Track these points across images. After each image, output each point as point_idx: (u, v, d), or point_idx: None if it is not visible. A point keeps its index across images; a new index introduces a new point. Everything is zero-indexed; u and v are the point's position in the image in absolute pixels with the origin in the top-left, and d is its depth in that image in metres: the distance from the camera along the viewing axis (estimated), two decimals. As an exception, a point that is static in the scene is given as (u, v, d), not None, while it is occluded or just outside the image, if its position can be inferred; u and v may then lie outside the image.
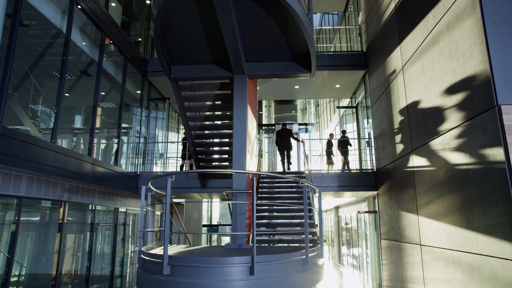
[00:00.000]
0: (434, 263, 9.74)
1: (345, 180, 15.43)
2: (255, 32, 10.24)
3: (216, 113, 13.87)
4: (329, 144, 18.73)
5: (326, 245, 35.36)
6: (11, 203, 10.38)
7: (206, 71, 11.57)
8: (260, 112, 23.81)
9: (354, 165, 19.10)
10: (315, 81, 17.75)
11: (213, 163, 14.48)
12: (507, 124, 6.83)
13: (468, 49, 7.90)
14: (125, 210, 17.22)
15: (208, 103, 13.02)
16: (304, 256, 7.00)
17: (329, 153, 18.53)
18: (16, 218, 10.39)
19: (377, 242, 16.03)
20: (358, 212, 18.61)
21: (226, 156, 14.38)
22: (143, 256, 7.03)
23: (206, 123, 13.31)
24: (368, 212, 17.63)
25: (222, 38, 10.07)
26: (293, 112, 26.63)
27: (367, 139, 17.37)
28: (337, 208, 30.26)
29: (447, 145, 8.86)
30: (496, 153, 6.96)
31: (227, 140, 13.64)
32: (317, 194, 10.13)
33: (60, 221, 12.42)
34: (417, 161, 10.74)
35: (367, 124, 17.17)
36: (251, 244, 8.84)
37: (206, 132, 13.72)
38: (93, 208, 14.43)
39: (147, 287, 6.46)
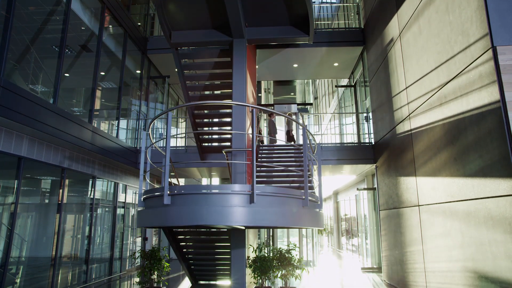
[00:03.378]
0: (432, 220, 9.85)
1: (344, 154, 15.51)
2: (254, -7, 10.33)
3: (216, 82, 13.91)
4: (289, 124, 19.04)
5: (325, 235, 35.42)
6: (13, 161, 10.44)
7: (206, 36, 11.65)
8: (260, 95, 23.85)
9: (352, 138, 19.19)
10: (314, 59, 17.83)
11: (213, 136, 14.52)
12: (502, 64, 6.97)
13: (464, -2, 8.03)
14: (124, 187, 17.28)
15: (208, 71, 13.07)
16: (304, 197, 7.05)
17: (288, 131, 18.81)
18: (17, 181, 10.45)
19: (376, 220, 16.12)
20: (357, 189, 18.65)
21: (228, 128, 14.44)
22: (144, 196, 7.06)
23: (206, 93, 13.36)
24: (367, 189, 17.72)
25: (222, 2, 10.15)
26: (292, 94, 26.65)
27: (365, 114, 17.45)
28: (336, 194, 30.32)
29: (444, 99, 8.98)
30: (491, 94, 7.09)
31: (227, 110, 13.71)
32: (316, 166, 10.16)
33: (60, 190, 12.46)
34: (414, 123, 10.86)
35: (366, 99, 17.24)
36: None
37: (205, 111, 13.80)
38: (93, 183, 14.48)
39: (148, 221, 6.49)
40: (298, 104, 23.52)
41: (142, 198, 7.07)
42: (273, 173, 12.27)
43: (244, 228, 9.26)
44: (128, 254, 17.76)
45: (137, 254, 12.08)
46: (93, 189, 14.51)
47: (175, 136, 20.44)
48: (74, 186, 13.83)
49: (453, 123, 8.59)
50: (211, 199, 5.91)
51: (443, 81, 9.00)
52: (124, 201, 17.83)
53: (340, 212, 29.69)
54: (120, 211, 17.33)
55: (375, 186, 15.73)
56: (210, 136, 14.12)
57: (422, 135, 10.36)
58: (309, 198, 7.26)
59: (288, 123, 19.02)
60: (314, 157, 9.97)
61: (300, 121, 17.59)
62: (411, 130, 11.14)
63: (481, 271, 7.58)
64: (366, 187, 18.08)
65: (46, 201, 12.86)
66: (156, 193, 6.50)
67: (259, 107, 7.02)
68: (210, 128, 14.43)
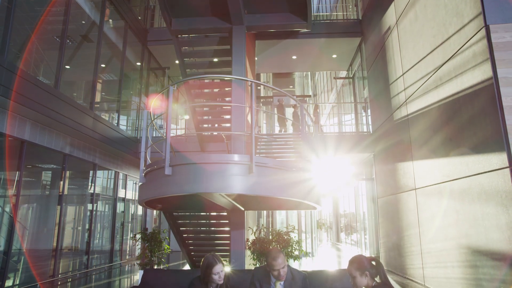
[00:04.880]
0: (428, 202, 10.06)
1: (342, 143, 15.66)
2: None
3: (216, 70, 14.04)
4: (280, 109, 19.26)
5: (324, 230, 35.58)
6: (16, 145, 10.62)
7: (205, 22, 11.81)
8: (258, 88, 24.03)
9: (351, 128, 19.37)
10: (312, 50, 18.01)
11: (212, 125, 14.67)
12: (494, 42, 7.19)
13: (457, -20, 8.24)
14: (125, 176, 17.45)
15: (208, 59, 13.22)
16: (302, 171, 7.21)
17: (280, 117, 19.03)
18: (19, 163, 10.64)
19: (375, 211, 16.29)
20: (356, 179, 18.82)
21: (227, 117, 14.59)
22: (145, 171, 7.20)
23: (206, 81, 13.51)
24: (366, 179, 17.90)
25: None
26: (291, 87, 26.84)
27: (363, 104, 17.64)
28: (334, 189, 30.45)
29: (439, 81, 9.19)
30: (484, 71, 7.31)
31: (227, 98, 13.85)
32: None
33: (62, 173, 12.63)
34: (411, 108, 11.06)
35: (364, 89, 17.43)
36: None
37: (205, 90, 13.91)
38: (94, 173, 14.66)
39: (150, 193, 6.62)
40: (297, 97, 23.70)
41: (143, 173, 7.21)
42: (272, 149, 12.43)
43: (243, 209, 9.44)
44: (128, 247, 17.98)
45: (138, 236, 12.21)
46: (94, 177, 14.68)
47: (175, 129, 20.61)
48: (76, 172, 14.00)
49: (448, 104, 8.79)
50: (211, 168, 6.06)
51: (438, 63, 9.21)
52: (124, 196, 18.02)
53: (339, 207, 29.85)
54: (120, 207, 17.50)
55: (373, 176, 15.90)
56: (209, 125, 14.25)
57: (418, 119, 10.56)
58: (308, 174, 7.43)
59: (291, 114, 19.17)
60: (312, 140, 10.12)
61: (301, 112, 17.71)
62: (407, 115, 11.34)
63: (474, 246, 7.80)
64: (364, 177, 18.25)
65: (48, 187, 13.05)
66: (157, 166, 6.66)
67: (258, 81, 7.21)
68: (210, 117, 14.56)
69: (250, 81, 6.85)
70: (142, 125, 13.19)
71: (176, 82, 6.84)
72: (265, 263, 5.08)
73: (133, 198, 19.36)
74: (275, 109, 20.49)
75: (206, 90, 13.07)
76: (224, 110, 13.41)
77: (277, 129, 22.59)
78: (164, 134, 6.81)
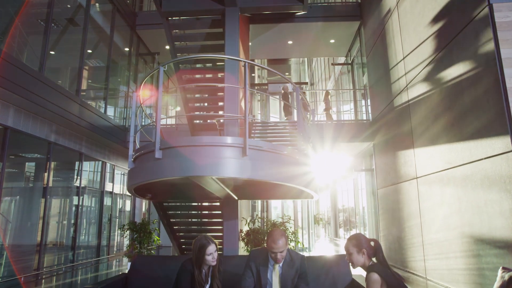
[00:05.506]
0: (430, 191, 10.14)
1: (341, 131, 15.72)
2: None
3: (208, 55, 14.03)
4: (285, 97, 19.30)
5: (322, 226, 35.69)
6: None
7: (197, 3, 11.79)
8: (253, 75, 24.05)
9: (349, 115, 19.43)
10: (309, 35, 18.02)
11: (205, 112, 14.70)
12: (498, 21, 7.26)
13: (460, -43, 8.31)
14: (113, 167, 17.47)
15: (200, 43, 13.23)
16: (298, 156, 7.26)
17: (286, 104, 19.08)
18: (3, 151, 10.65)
19: (375, 204, 16.37)
20: (355, 170, 18.92)
21: (220, 104, 14.62)
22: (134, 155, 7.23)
23: (198, 66, 13.53)
24: (366, 170, 17.98)
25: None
26: (287, 74, 26.84)
27: (362, 90, 17.70)
28: (333, 182, 30.51)
29: (441, 64, 9.26)
30: (487, 52, 7.36)
31: (219, 93, 13.87)
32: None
33: (47, 163, 12.64)
34: (412, 94, 11.13)
35: (363, 76, 17.48)
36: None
37: (197, 76, 13.91)
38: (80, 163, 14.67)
39: (139, 177, 6.65)
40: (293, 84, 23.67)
41: (132, 159, 7.24)
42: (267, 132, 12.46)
43: (236, 198, 9.50)
44: (115, 242, 18.02)
45: (126, 227, 12.25)
46: (80, 168, 14.69)
47: (166, 118, 20.62)
48: (61, 162, 14.01)
49: (450, 87, 8.86)
50: (203, 151, 6.09)
51: (440, 45, 9.28)
52: (111, 190, 18.04)
53: (337, 202, 29.94)
54: (107, 201, 17.53)
55: (373, 167, 15.97)
56: (202, 112, 14.24)
57: (420, 104, 10.63)
58: (304, 160, 7.48)
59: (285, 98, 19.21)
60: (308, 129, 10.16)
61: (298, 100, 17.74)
62: (408, 101, 11.41)
63: (477, 235, 7.89)
64: (363, 168, 18.32)
65: (32, 178, 13.06)
66: (147, 150, 6.69)
67: (251, 62, 7.25)
68: (202, 104, 14.58)
69: (244, 61, 6.90)
70: (130, 113, 13.19)
71: (166, 62, 6.88)
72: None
73: (121, 192, 19.41)
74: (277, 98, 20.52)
75: (197, 76, 13.09)
76: (217, 97, 13.44)
77: (273, 119, 22.66)
78: (154, 120, 6.84)
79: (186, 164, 6.00)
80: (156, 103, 6.73)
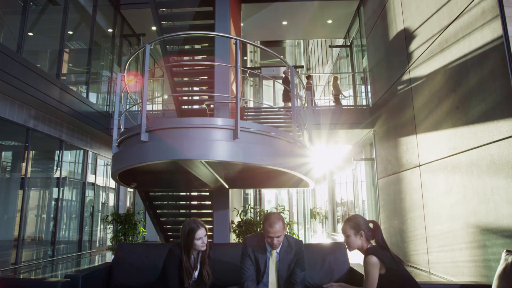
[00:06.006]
0: (433, 179, 10.19)
1: (339, 117, 15.73)
2: None
3: (197, 35, 13.96)
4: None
5: (319, 221, 35.76)
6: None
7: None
8: (245, 58, 24.02)
9: (348, 101, 19.45)
10: (305, 15, 18.00)
11: (194, 98, 14.67)
12: (505, -4, 7.27)
13: None
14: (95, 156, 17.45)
15: (188, 23, 13.18)
16: (292, 141, 7.27)
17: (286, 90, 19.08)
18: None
19: (375, 195, 16.43)
20: (354, 159, 18.97)
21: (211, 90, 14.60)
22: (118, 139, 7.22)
23: (186, 47, 13.48)
24: (365, 159, 18.01)
25: None
26: (281, 57, 26.76)
27: (362, 74, 17.71)
28: (330, 173, 30.56)
29: (445, 43, 9.29)
30: (494, 30, 7.41)
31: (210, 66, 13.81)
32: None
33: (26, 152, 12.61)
34: (415, 76, 11.15)
35: (363, 59, 17.50)
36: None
37: (185, 58, 13.86)
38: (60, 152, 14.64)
39: (124, 162, 6.62)
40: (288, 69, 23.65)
41: (116, 143, 7.23)
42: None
43: (227, 187, 9.52)
44: (98, 238, 18.03)
45: (110, 218, 12.25)
46: (60, 157, 14.66)
47: (152, 99, 20.57)
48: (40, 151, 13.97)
49: (455, 68, 8.90)
50: (192, 133, 6.09)
51: (444, 24, 9.30)
52: (94, 182, 18.02)
53: (335, 195, 29.99)
54: (89, 194, 17.52)
55: (373, 156, 16.00)
56: (190, 97, 14.21)
57: (423, 87, 10.67)
58: (299, 145, 7.50)
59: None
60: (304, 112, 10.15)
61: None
62: (411, 83, 11.44)
63: (483, 224, 7.94)
64: (363, 157, 18.35)
65: (8, 169, 13.04)
66: (132, 132, 6.67)
67: (244, 40, 7.27)
68: (191, 88, 14.56)
69: (235, 38, 6.91)
70: (114, 98, 13.16)
71: (153, 40, 6.89)
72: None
73: (105, 185, 19.38)
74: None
75: (186, 58, 13.05)
76: (206, 80, 13.42)
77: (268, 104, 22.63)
78: (140, 101, 6.82)
79: (174, 147, 5.99)
80: (142, 85, 6.71)
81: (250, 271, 5.09)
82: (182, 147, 5.97)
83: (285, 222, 5.28)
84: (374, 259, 4.26)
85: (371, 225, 4.60)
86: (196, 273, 5.06)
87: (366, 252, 4.42)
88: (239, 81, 6.64)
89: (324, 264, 5.91)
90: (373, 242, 4.53)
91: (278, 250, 5.09)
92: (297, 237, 12.39)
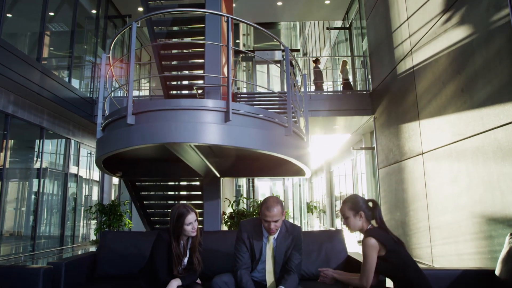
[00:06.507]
0: (437, 168, 10.24)
1: (337, 103, 15.76)
2: None
3: (186, 16, 13.91)
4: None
5: (316, 215, 35.83)
6: None
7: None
8: (237, 41, 24.02)
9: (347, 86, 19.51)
10: (302, -5, 18.02)
11: (183, 82, 14.67)
12: (513, -28, 7.30)
13: None
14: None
15: (177, 1, 13.15)
16: (287, 125, 7.30)
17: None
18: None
19: (376, 186, 16.49)
20: (353, 148, 19.03)
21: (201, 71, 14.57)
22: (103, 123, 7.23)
23: (175, 28, 13.45)
24: (365, 148, 18.06)
25: None
26: (275, 40, 26.72)
27: (362, 57, 17.74)
28: (328, 164, 30.61)
29: (449, 24, 9.31)
30: (500, 8, 7.44)
31: (200, 50, 13.78)
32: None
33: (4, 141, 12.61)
34: (417, 58, 11.20)
35: (362, 41, 17.52)
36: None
37: (174, 40, 13.83)
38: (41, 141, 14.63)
39: (109, 146, 6.64)
40: (283, 51, 23.66)
41: (101, 127, 7.24)
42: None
43: (218, 175, 9.56)
44: (80, 233, 18.05)
45: (94, 209, 12.27)
46: (41, 146, 14.64)
47: (138, 80, 20.55)
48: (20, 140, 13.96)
49: (459, 49, 8.94)
50: (181, 115, 6.11)
51: (448, 2, 9.32)
52: (76, 173, 18.01)
53: (334, 188, 30.05)
54: (72, 186, 17.51)
55: (374, 145, 16.02)
56: (179, 82, 14.20)
57: (426, 70, 10.71)
58: (294, 129, 7.53)
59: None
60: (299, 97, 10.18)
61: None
62: (413, 67, 11.48)
63: (489, 213, 8.00)
64: (363, 146, 18.39)
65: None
66: (118, 115, 6.68)
67: (236, 18, 7.29)
68: (179, 72, 14.53)
69: (226, 16, 6.94)
70: (98, 84, 13.13)
71: (139, 18, 6.90)
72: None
73: (88, 177, 19.37)
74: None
75: (175, 40, 13.04)
76: (197, 65, 13.40)
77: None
78: (126, 82, 6.82)
79: (162, 130, 6.01)
80: (128, 68, 6.74)
81: (244, 258, 5.10)
82: (170, 130, 5.99)
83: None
84: (372, 241, 4.31)
85: (370, 204, 4.65)
86: (185, 260, 5.10)
87: (365, 234, 4.46)
88: (231, 61, 6.69)
89: (320, 253, 5.97)
90: (374, 224, 4.58)
91: (275, 236, 5.10)
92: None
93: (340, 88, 19.39)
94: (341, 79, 18.74)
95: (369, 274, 4.31)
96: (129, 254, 6.11)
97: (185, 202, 5.58)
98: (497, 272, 4.74)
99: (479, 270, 5.29)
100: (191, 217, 4.90)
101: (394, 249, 4.34)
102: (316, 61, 18.91)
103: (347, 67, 18.56)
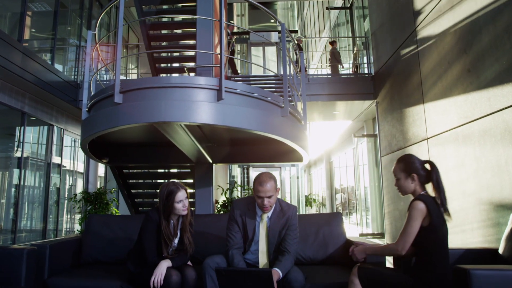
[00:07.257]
0: (443, 153, 10.30)
1: (337, 87, 15.78)
2: None
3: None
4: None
5: (315, 208, 35.91)
6: None
7: None
8: (231, 22, 23.99)
9: (348, 70, 19.53)
10: (300, -28, 18.05)
11: (174, 64, 14.68)
12: None
13: None
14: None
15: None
16: (283, 105, 7.34)
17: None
18: None
19: (378, 176, 16.55)
20: (354, 135, 19.09)
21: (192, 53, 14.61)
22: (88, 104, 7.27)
23: (164, 7, 13.47)
24: (367, 135, 18.11)
25: None
26: (272, 21, 26.78)
27: (364, 38, 17.78)
28: (328, 154, 30.65)
29: (456, 0, 9.37)
30: (509, -20, 7.49)
31: (191, 30, 13.77)
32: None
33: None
34: (422, 37, 11.23)
35: (364, 22, 17.56)
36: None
37: (164, 19, 13.84)
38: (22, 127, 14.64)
39: (95, 127, 6.67)
40: (280, 32, 23.70)
41: (86, 108, 7.28)
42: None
43: (211, 161, 9.60)
44: (64, 227, 18.07)
45: (79, 196, 12.28)
46: (22, 131, 14.65)
47: (126, 57, 20.53)
48: None
49: (466, 26, 8.99)
50: (171, 93, 6.11)
51: (455, -24, 9.39)
52: (60, 163, 18.00)
53: (333, 179, 30.08)
54: (54, 176, 17.52)
55: (376, 132, 16.03)
56: (169, 65, 14.21)
57: (431, 50, 10.76)
58: (290, 110, 7.58)
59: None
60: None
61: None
62: (417, 47, 11.54)
63: (497, 200, 8.06)
64: (365, 133, 18.43)
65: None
66: (104, 94, 6.71)
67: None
68: (170, 55, 14.57)
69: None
70: (83, 68, 13.16)
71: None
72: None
73: (72, 168, 19.36)
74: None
75: (164, 19, 13.05)
76: (188, 46, 13.41)
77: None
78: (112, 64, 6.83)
79: (151, 109, 6.03)
80: (114, 50, 6.76)
81: (236, 238, 5.17)
82: (160, 109, 6.01)
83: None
84: (421, 205, 4.29)
85: (427, 166, 4.62)
86: (176, 240, 5.16)
87: (415, 198, 4.44)
88: (224, 38, 6.73)
89: (317, 237, 6.03)
90: (432, 193, 4.54)
91: (269, 214, 5.17)
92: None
93: (343, 72, 19.44)
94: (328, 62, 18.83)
95: (408, 239, 4.28)
96: (117, 239, 6.17)
97: (175, 180, 5.63)
98: (500, 250, 4.79)
99: (482, 249, 5.35)
100: (181, 194, 4.94)
101: (438, 224, 4.30)
102: (333, 42, 18.86)
103: (337, 47, 18.63)
